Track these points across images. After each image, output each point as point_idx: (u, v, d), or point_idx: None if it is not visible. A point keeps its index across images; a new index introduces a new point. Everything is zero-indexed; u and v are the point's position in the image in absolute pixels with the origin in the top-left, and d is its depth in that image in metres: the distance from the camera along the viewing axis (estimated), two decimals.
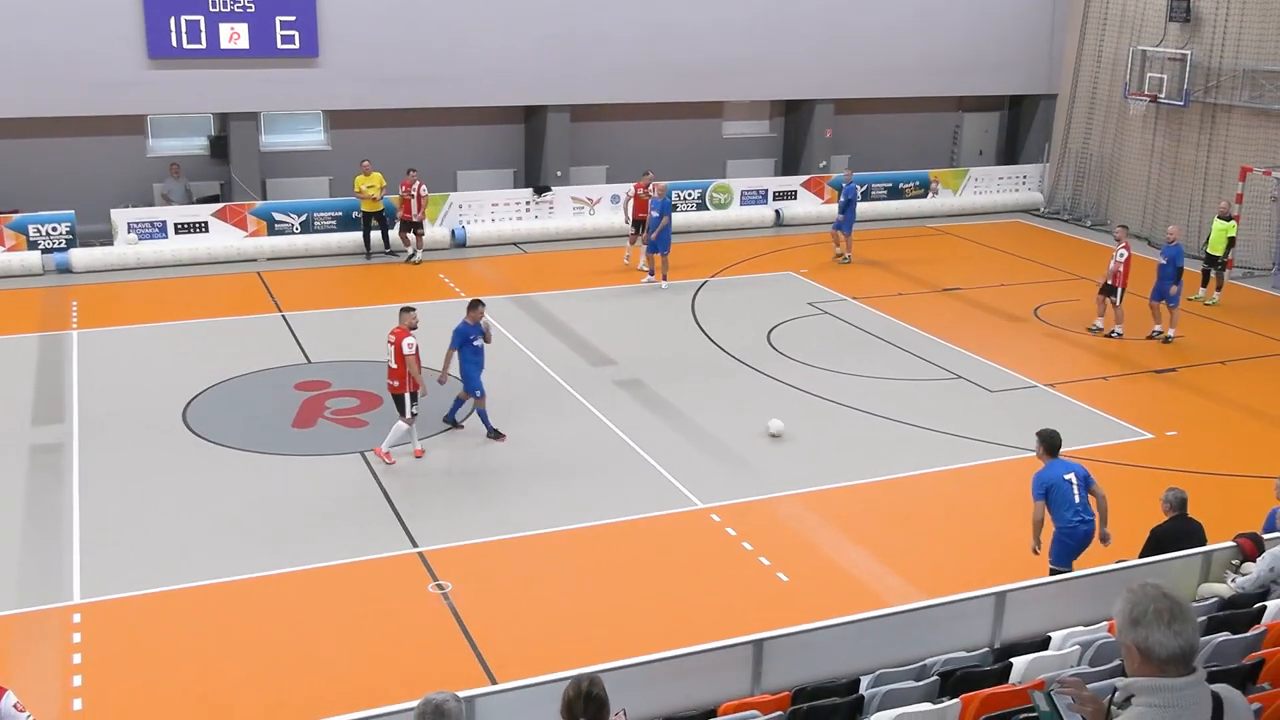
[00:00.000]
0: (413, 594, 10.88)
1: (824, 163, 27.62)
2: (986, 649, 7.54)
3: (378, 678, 9.52)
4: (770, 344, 18.24)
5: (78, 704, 9.11)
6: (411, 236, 22.89)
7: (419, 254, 22.83)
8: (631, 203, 22.53)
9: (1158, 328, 18.76)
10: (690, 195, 26.25)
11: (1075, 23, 28.38)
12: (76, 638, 10.04)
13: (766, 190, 27.21)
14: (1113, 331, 18.82)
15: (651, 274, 21.42)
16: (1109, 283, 18.73)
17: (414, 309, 13.79)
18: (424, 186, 22.79)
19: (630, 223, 22.54)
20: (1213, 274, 21.24)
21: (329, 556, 11.51)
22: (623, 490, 13.11)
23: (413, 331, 13.44)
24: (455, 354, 14.03)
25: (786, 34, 26.41)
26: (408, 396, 13.42)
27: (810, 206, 27.09)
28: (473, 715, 6.18)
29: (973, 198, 29.02)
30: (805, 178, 27.56)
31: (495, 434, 14.32)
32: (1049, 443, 10.54)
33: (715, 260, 23.06)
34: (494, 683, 9.06)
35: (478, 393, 14.16)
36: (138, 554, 11.49)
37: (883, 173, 28.38)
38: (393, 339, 13.39)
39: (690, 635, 8.58)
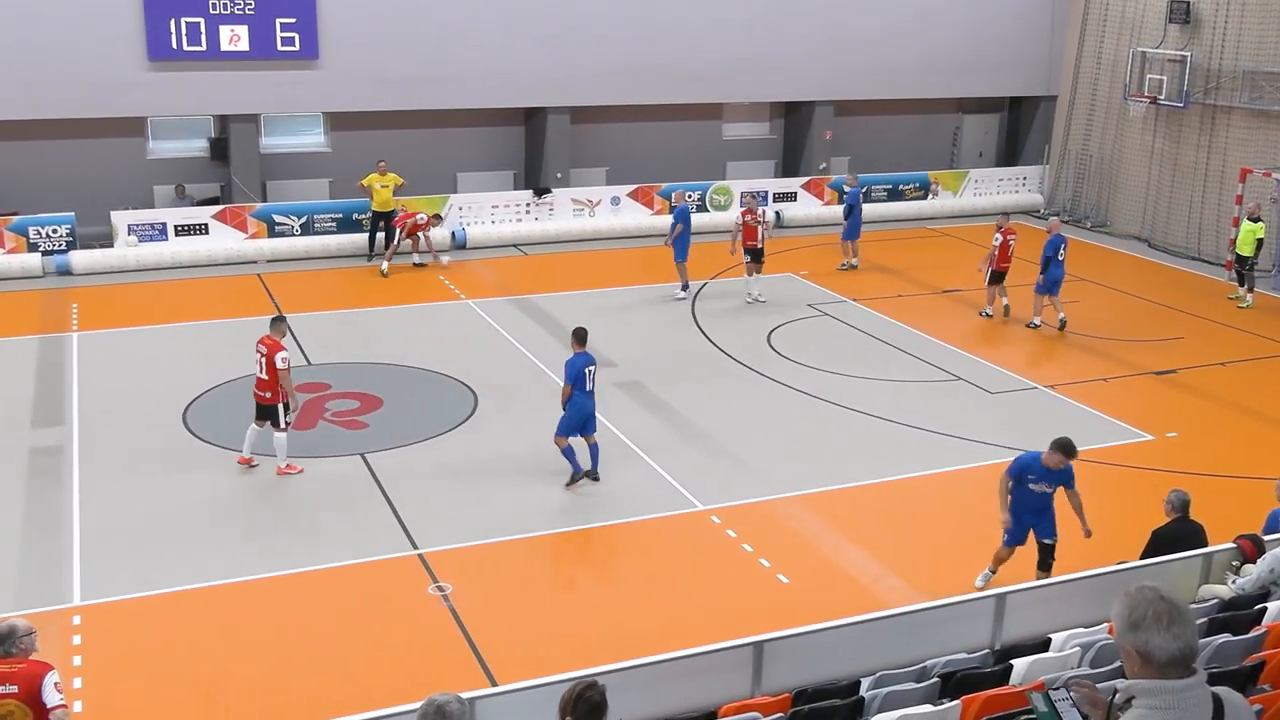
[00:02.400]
0: (413, 596, 10.87)
1: (824, 164, 27.61)
2: (987, 650, 7.54)
3: (377, 679, 9.52)
4: (771, 346, 18.24)
5: (78, 706, 9.09)
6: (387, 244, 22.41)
7: (385, 265, 22.18)
8: (741, 231, 20.40)
9: (1036, 320, 19.34)
10: (690, 197, 26.23)
11: (1075, 24, 28.38)
12: (76, 640, 10.04)
13: (767, 192, 27.20)
14: (1002, 309, 19.82)
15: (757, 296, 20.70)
16: (995, 269, 19.54)
17: (284, 319, 13.47)
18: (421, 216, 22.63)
19: (743, 252, 20.42)
20: (1244, 275, 21.35)
21: (329, 558, 11.51)
22: (623, 492, 13.10)
23: (283, 341, 13.12)
24: (571, 390, 12.86)
25: (786, 35, 26.41)
26: (280, 407, 13.10)
27: (810, 208, 27.10)
28: (473, 717, 6.18)
29: (972, 199, 29.02)
30: (805, 179, 27.56)
31: (581, 477, 13.15)
32: (1068, 450, 10.52)
33: (715, 262, 23.01)
34: (494, 684, 9.05)
35: (574, 434, 13.05)
36: (137, 556, 11.49)
37: (882, 174, 28.38)
38: (264, 350, 12.95)
39: (690, 637, 8.56)
